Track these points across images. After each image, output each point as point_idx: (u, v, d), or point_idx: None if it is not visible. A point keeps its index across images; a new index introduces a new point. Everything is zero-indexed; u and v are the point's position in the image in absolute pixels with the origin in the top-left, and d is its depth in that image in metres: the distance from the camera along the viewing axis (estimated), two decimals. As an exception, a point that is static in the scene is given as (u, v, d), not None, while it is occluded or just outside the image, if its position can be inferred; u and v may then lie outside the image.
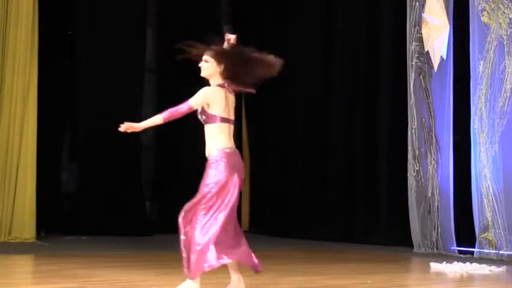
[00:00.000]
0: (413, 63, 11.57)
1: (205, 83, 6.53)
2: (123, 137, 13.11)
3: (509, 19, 10.41)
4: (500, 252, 10.40)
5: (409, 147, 11.55)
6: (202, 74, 6.54)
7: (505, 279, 8.95)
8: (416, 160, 11.49)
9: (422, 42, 11.49)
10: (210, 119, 6.40)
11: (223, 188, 6.29)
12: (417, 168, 11.50)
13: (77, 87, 13.23)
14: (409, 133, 11.56)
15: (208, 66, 6.52)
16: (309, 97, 13.72)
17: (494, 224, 10.45)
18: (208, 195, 6.32)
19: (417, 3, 11.55)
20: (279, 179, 14.09)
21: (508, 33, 10.41)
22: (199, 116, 6.44)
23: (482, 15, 10.70)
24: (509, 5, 10.42)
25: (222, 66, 6.46)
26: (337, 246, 12.14)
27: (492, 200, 10.48)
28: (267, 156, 14.48)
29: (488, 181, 10.51)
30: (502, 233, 10.38)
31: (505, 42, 10.44)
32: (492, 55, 10.56)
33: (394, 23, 12.25)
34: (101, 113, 13.08)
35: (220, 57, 6.49)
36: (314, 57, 13.64)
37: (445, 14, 11.20)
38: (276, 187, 14.14)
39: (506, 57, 10.41)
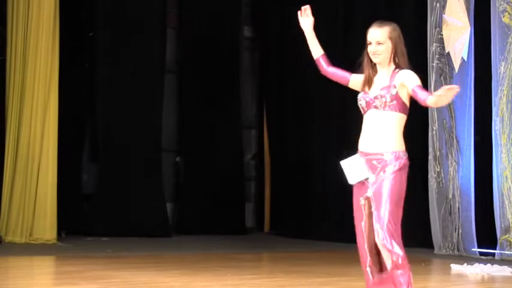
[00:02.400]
0: (434, 64, 11.53)
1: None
2: (144, 137, 13.30)
3: (531, 20, 10.37)
4: (522, 254, 10.36)
5: (430, 149, 11.52)
6: (377, 61, 5.36)
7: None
8: (437, 161, 11.45)
9: (443, 43, 11.45)
10: (404, 108, 5.29)
11: None
12: (438, 170, 11.46)
13: (98, 89, 13.27)
14: (429, 134, 11.53)
15: (385, 49, 5.33)
16: (328, 100, 13.68)
17: (513, 226, 10.40)
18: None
19: (438, 4, 11.51)
20: (299, 182, 14.07)
21: (529, 34, 10.37)
22: (385, 100, 5.25)
23: (504, 16, 10.65)
24: (531, 5, 10.38)
25: (396, 50, 5.33)
26: (354, 246, 12.10)
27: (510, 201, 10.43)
28: (287, 159, 14.46)
29: (510, 182, 10.46)
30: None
31: (526, 43, 10.40)
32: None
33: (414, 24, 12.20)
34: (121, 114, 13.12)
35: (396, 39, 5.33)
36: (334, 59, 13.59)
37: (465, 15, 11.16)
38: (296, 189, 14.12)
39: (527, 59, 10.36)
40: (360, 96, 5.41)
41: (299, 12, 5.89)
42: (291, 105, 14.45)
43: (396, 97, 5.20)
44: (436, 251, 11.40)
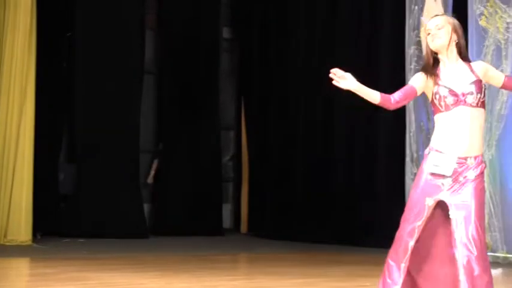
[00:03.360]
0: (412, 66, 11.57)
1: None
2: (122, 138, 13.27)
3: (507, 23, 10.42)
4: (496, 254, 10.40)
5: (407, 151, 11.55)
6: (438, 44, 5.00)
7: (501, 281, 8.96)
8: (414, 163, 11.49)
9: (420, 45, 11.49)
10: (483, 102, 4.98)
11: None
12: (415, 171, 11.49)
13: (75, 89, 13.22)
14: (407, 136, 11.56)
15: (446, 32, 5.00)
16: (308, 100, 13.71)
17: (491, 227, 10.45)
18: None
19: (416, 7, 11.56)
20: (277, 183, 14.08)
21: (506, 37, 10.42)
22: (479, 96, 4.92)
23: (480, 19, 10.71)
24: (507, 9, 10.43)
25: (456, 37, 5.02)
26: (335, 248, 12.13)
27: (489, 202, 10.49)
28: (265, 160, 14.47)
29: (485, 184, 10.51)
30: (498, 235, 10.38)
31: (502, 46, 10.45)
32: (490, 59, 10.56)
33: (392, 27, 12.25)
34: (99, 114, 13.08)
35: (455, 26, 5.04)
36: (312, 60, 13.64)
37: (443, 17, 11.21)
38: (274, 191, 14.13)
39: (504, 61, 10.42)
40: (442, 91, 4.97)
41: (332, 78, 5.28)
42: (270, 106, 14.46)
43: (484, 92, 4.93)
44: (412, 252, 11.41)
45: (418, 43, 11.50)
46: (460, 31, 5.03)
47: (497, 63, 10.47)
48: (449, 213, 4.88)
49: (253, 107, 14.91)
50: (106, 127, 13.16)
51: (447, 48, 5.01)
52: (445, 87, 4.97)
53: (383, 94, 5.19)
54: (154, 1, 14.32)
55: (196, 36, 14.33)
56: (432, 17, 5.14)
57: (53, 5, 12.78)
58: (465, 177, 4.90)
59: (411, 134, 11.54)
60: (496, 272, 9.36)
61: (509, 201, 10.31)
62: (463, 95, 4.89)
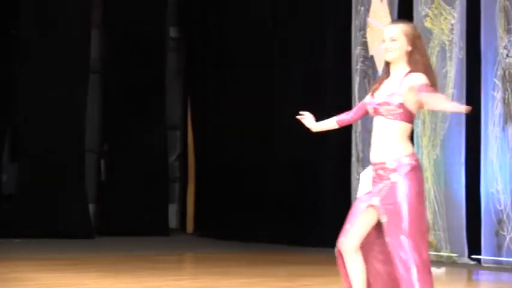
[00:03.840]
0: (358, 67, 11.65)
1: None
2: (67, 137, 13.14)
3: (451, 25, 10.53)
4: (440, 253, 10.51)
5: (353, 151, 11.62)
6: (389, 57, 5.04)
7: (445, 280, 9.07)
8: (360, 163, 11.56)
9: (367, 46, 11.56)
10: (409, 117, 4.98)
11: None
12: (360, 171, 11.54)
13: (19, 88, 13.07)
14: (353, 136, 11.63)
15: (399, 46, 5.00)
16: (254, 100, 13.71)
17: (435, 226, 10.56)
18: None
19: (362, 8, 11.63)
20: (223, 183, 14.06)
21: (450, 38, 10.53)
22: (389, 108, 4.98)
23: (426, 21, 10.81)
24: (451, 11, 10.54)
25: (411, 48, 5.01)
26: (281, 248, 12.15)
27: (433, 202, 10.59)
28: (211, 160, 14.44)
29: (430, 184, 10.62)
30: (442, 234, 10.49)
31: (447, 48, 10.55)
32: (435, 60, 10.66)
33: (339, 27, 12.30)
34: (43, 114, 12.94)
35: (413, 37, 5.02)
36: (259, 60, 13.64)
37: (389, 18, 11.29)
38: (220, 191, 14.11)
39: (448, 63, 10.53)
40: (367, 100, 5.15)
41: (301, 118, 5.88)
42: (216, 106, 14.43)
43: (401, 105, 4.92)
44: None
45: (364, 44, 11.57)
46: (418, 41, 5.02)
47: (441, 64, 10.58)
48: (380, 217, 4.94)
49: (199, 106, 14.87)
50: (50, 127, 13.02)
51: (399, 62, 5.02)
52: (372, 96, 5.10)
53: (338, 118, 5.51)
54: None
55: (142, 35, 14.24)
56: (390, 24, 5.22)
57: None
58: (389, 179, 4.93)
59: (357, 134, 11.61)
60: (439, 271, 9.46)
61: (453, 201, 10.43)
62: (379, 105, 4.98)
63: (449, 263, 10.22)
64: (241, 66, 13.85)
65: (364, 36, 11.59)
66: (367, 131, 11.42)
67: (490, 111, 10.11)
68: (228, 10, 14.28)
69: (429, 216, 10.61)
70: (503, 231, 9.90)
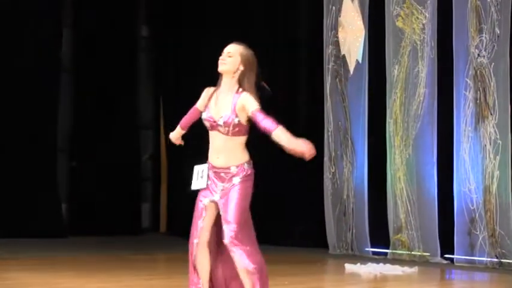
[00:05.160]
0: (330, 66, 11.69)
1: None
2: (38, 137, 13.06)
3: (422, 24, 10.60)
4: (412, 253, 10.58)
5: (325, 150, 11.66)
6: (221, 69, 5.60)
7: (418, 280, 9.13)
8: (332, 162, 11.61)
9: (338, 45, 11.61)
10: (245, 130, 5.58)
11: None
12: (333, 171, 11.62)
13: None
14: (325, 136, 11.67)
15: (232, 61, 5.57)
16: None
17: (407, 225, 10.63)
18: None
19: (334, 8, 11.67)
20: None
21: (421, 38, 10.60)
22: (228, 129, 5.54)
23: (397, 20, 10.87)
24: (423, 10, 10.61)
25: (243, 68, 5.56)
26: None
27: (406, 201, 10.66)
28: (183, 160, 14.40)
29: (402, 183, 10.69)
30: (414, 234, 10.56)
31: (418, 47, 10.62)
32: (406, 59, 10.74)
33: (310, 27, 12.34)
34: (14, 113, 12.87)
35: (247, 60, 5.59)
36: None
37: (360, 18, 11.34)
38: (192, 190, 14.07)
39: (420, 62, 10.59)
40: (204, 116, 5.69)
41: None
42: (188, 105, 14.36)
43: (238, 124, 5.46)
44: (330, 250, 11.54)
45: (336, 43, 11.61)
46: (251, 65, 5.55)
47: (413, 64, 10.65)
48: (220, 211, 5.51)
49: (171, 106, 14.84)
50: (22, 126, 12.95)
51: (230, 76, 5.53)
52: (208, 111, 5.66)
53: (181, 124, 6.28)
54: (71, -2, 14.13)
55: (114, 34, 14.19)
56: (233, 43, 5.68)
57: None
58: (231, 181, 5.52)
59: (329, 133, 11.65)
60: (412, 271, 9.52)
61: (425, 200, 10.49)
62: (217, 124, 5.55)
63: (422, 262, 10.29)
64: (213, 65, 13.79)
65: (335, 35, 11.63)
66: (339, 129, 11.47)
67: (462, 110, 10.18)
68: (200, 8, 14.25)
69: (402, 215, 10.68)
70: (476, 231, 9.99)
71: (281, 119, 13.07)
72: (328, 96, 11.63)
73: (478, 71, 10.05)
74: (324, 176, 11.66)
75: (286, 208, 12.61)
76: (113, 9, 14.17)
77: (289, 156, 12.69)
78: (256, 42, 13.16)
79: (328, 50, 11.70)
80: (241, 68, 5.53)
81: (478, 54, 10.04)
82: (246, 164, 5.55)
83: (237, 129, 5.47)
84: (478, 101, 10.04)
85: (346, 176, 11.43)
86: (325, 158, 11.65)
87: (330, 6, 11.70)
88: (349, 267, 9.76)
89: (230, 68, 5.54)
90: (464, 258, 10.12)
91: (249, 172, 5.54)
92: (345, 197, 11.43)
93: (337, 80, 11.59)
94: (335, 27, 11.63)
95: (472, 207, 10.04)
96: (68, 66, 14.02)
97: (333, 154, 11.58)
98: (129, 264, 9.91)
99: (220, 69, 5.58)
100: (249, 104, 5.40)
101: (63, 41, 13.77)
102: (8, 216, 12.60)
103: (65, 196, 13.80)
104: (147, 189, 15.16)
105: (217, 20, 13.83)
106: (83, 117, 14.10)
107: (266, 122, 5.36)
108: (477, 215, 9.99)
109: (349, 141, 11.43)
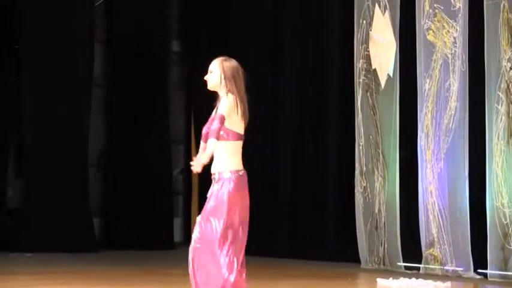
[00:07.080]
0: (361, 80, 11.66)
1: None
2: (70, 152, 13.15)
3: (454, 38, 10.55)
4: (445, 267, 10.50)
5: (357, 164, 11.62)
6: (209, 86, 6.00)
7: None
8: (364, 176, 11.56)
9: (369, 59, 11.58)
10: (233, 135, 5.92)
11: None
12: (364, 185, 11.57)
13: (23, 102, 13.12)
14: (356, 150, 11.64)
15: (215, 75, 5.94)
16: (257, 112, 13.68)
17: (440, 240, 10.55)
18: None
19: (364, 22, 11.65)
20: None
21: (452, 51, 10.55)
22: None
23: (428, 34, 10.83)
24: (454, 24, 10.57)
25: (227, 79, 5.91)
26: (285, 262, 12.13)
27: (438, 216, 10.58)
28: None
29: (434, 197, 10.62)
30: (447, 248, 10.48)
31: (449, 61, 10.58)
32: (438, 73, 10.69)
33: (342, 41, 12.33)
34: (47, 128, 12.98)
35: (228, 69, 5.94)
36: (262, 73, 13.65)
37: (391, 32, 11.32)
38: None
39: (451, 76, 10.54)
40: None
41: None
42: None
43: (223, 128, 5.72)
44: (362, 265, 11.49)
45: (367, 57, 11.59)
46: (233, 73, 5.88)
47: (444, 77, 10.60)
48: None
49: (202, 120, 14.82)
50: (54, 141, 13.05)
51: (219, 89, 5.86)
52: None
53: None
54: (103, 13, 14.23)
55: (145, 49, 14.28)
56: (213, 61, 5.98)
57: (0, 17, 12.64)
58: (213, 187, 5.94)
59: (360, 147, 11.62)
60: (445, 285, 9.45)
61: (457, 215, 10.41)
62: (209, 128, 5.83)
63: (455, 277, 10.21)
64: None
65: (366, 49, 11.61)
66: (370, 143, 11.44)
67: (494, 124, 10.11)
68: (230, 22, 14.30)
69: (434, 230, 10.60)
70: (510, 246, 9.90)
71: (311, 133, 13.09)
72: (359, 110, 11.60)
73: (510, 84, 9.99)
74: (355, 190, 11.62)
75: (318, 223, 12.59)
76: (145, 24, 14.26)
77: (322, 170, 12.67)
78: (288, 56, 13.30)
79: (359, 64, 11.68)
80: (225, 79, 5.81)
81: (510, 68, 9.98)
82: (227, 172, 5.81)
83: (221, 132, 5.70)
84: (510, 115, 9.97)
85: (378, 190, 11.38)
86: (356, 172, 11.61)
87: (361, 21, 11.69)
88: (381, 281, 9.71)
89: (215, 83, 5.85)
90: (498, 274, 10.02)
91: (229, 181, 5.81)
92: (376, 211, 11.38)
93: (368, 93, 11.57)
94: (366, 41, 11.62)
95: (505, 222, 9.96)
96: (100, 80, 14.12)
97: (364, 168, 11.54)
98: (161, 278, 9.93)
99: (208, 87, 5.91)
100: (219, 107, 5.72)
101: (96, 56, 13.87)
102: (40, 231, 12.67)
103: (97, 210, 13.87)
104: (179, 204, 15.20)
105: (248, 33, 13.86)
106: (114, 132, 14.18)
107: (212, 129, 5.68)
108: (510, 229, 9.90)
109: (381, 155, 11.39)
